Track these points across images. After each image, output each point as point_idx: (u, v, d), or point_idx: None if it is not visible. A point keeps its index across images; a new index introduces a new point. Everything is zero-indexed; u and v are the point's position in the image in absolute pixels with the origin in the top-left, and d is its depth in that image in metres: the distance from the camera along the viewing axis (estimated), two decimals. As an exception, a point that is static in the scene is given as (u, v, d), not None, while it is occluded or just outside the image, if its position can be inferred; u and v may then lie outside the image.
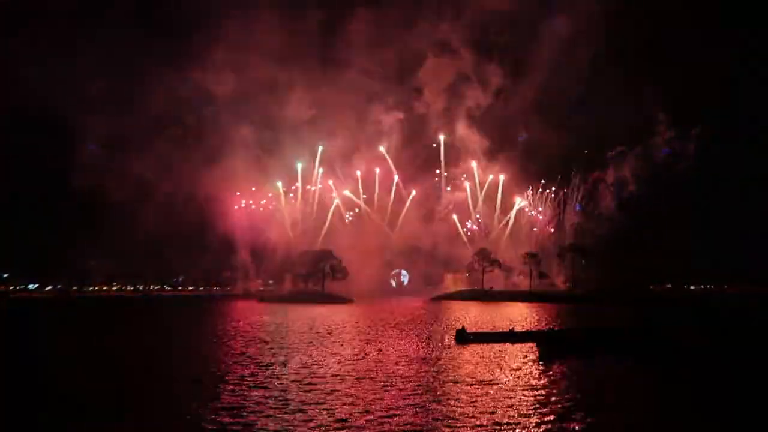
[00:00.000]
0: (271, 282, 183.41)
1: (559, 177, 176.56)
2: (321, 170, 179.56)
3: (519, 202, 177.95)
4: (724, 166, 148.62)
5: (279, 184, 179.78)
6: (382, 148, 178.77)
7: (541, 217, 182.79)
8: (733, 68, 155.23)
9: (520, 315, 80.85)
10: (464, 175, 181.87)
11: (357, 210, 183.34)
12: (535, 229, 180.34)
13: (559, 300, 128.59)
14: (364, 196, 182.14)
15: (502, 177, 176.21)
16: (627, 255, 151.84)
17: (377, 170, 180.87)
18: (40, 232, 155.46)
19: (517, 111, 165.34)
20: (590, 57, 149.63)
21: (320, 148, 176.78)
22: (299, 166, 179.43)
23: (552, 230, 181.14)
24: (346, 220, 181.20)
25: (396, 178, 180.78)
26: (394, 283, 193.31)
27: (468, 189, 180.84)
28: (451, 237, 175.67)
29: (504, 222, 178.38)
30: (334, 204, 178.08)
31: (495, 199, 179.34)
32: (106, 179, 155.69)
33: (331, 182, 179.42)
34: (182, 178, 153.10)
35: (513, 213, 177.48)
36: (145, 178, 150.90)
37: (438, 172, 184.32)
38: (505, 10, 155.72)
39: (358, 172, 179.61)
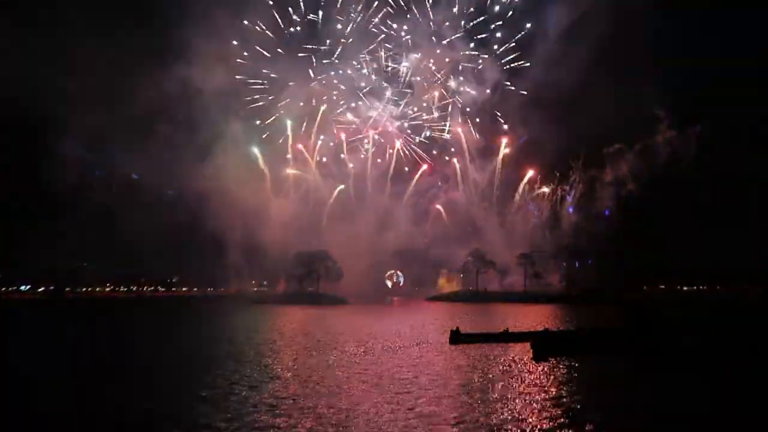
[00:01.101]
0: (265, 283, 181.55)
1: (557, 175, 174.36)
2: (321, 138, 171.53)
3: (529, 173, 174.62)
4: (724, 166, 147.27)
5: (255, 150, 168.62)
6: (350, 115, 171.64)
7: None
8: (732, 68, 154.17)
9: (515, 316, 79.74)
10: (457, 162, 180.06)
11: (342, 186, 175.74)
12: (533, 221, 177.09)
13: (555, 300, 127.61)
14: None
15: (504, 141, 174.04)
16: (623, 255, 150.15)
17: (373, 134, 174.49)
18: (32, 232, 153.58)
19: (515, 108, 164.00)
20: (590, 55, 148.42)
21: (322, 108, 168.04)
22: (288, 124, 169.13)
23: (547, 231, 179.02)
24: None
25: (397, 144, 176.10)
26: (389, 284, 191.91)
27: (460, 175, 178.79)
28: (445, 237, 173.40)
29: (518, 198, 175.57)
30: (336, 191, 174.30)
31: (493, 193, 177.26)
32: (98, 179, 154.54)
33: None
34: (174, 176, 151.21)
35: (523, 182, 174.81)
36: (137, 177, 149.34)
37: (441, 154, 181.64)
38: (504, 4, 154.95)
39: (351, 165, 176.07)
